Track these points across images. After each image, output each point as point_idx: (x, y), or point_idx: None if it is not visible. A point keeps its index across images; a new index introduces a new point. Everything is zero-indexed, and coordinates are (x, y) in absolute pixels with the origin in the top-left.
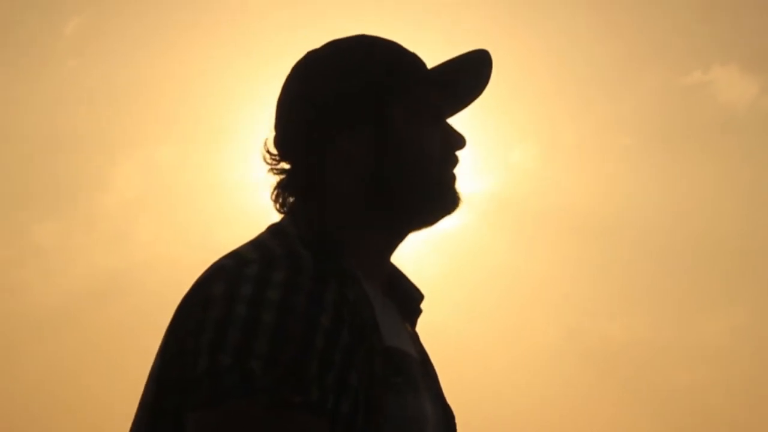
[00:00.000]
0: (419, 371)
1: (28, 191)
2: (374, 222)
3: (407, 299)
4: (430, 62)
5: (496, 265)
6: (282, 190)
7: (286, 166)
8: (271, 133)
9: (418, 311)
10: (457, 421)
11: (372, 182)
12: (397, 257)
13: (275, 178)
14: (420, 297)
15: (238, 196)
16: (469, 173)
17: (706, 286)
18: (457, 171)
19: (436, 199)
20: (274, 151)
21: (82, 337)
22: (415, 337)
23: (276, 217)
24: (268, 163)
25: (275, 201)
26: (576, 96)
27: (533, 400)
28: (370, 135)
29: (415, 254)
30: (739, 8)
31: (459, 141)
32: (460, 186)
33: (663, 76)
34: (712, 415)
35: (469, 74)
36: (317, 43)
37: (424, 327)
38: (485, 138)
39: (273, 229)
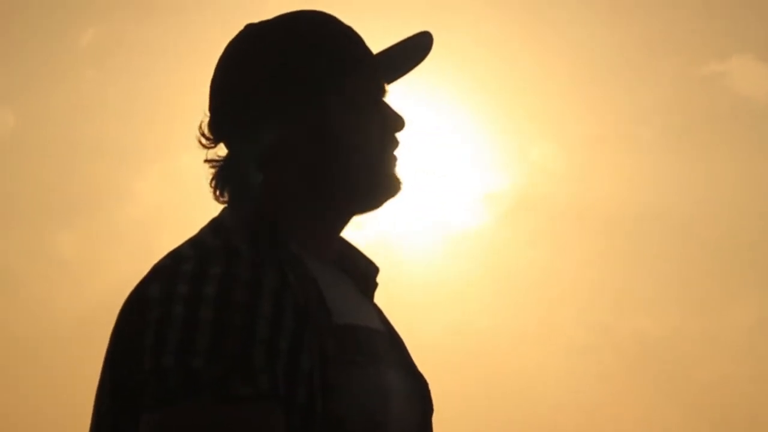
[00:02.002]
0: (383, 344)
1: (50, 202)
2: (316, 207)
3: (362, 274)
4: (452, 58)
5: (521, 263)
6: (221, 179)
7: (221, 152)
8: (206, 117)
9: (375, 285)
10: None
11: (310, 169)
12: (418, 257)
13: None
14: (375, 270)
15: None
16: (488, 171)
17: (735, 276)
18: (397, 153)
19: (376, 185)
20: (209, 134)
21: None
22: (377, 310)
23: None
24: (203, 147)
25: (214, 191)
26: (593, 89)
27: (565, 399)
28: (307, 122)
29: (437, 255)
30: None
31: (398, 122)
32: (399, 169)
33: (680, 66)
34: (746, 408)
35: (409, 57)
36: None
37: (450, 325)
38: (503, 135)
39: (212, 223)
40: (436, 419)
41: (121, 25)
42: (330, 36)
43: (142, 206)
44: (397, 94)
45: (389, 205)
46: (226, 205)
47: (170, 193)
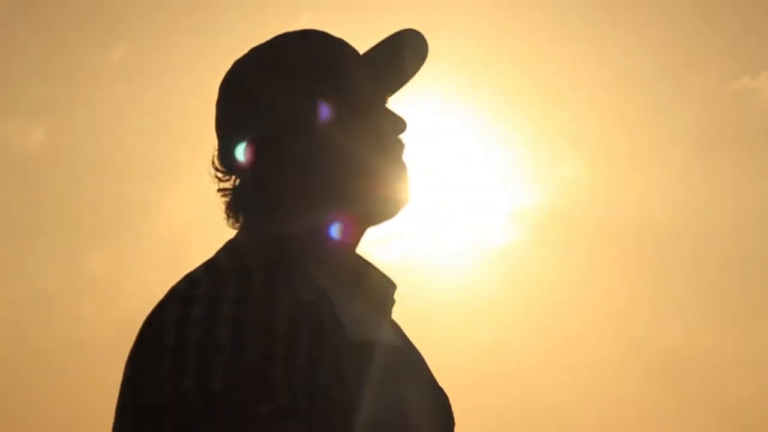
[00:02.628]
0: (400, 360)
1: (80, 219)
2: (326, 225)
3: (379, 291)
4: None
5: (552, 279)
6: (234, 207)
7: (235, 182)
8: (215, 150)
9: (392, 301)
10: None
11: (315, 188)
12: (447, 274)
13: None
14: (393, 287)
15: None
16: (519, 187)
17: (764, 291)
18: (405, 156)
19: (383, 196)
20: (220, 168)
21: None
22: (395, 327)
23: None
24: (218, 179)
25: (228, 219)
26: (624, 105)
27: (596, 415)
28: (307, 142)
29: (467, 272)
30: None
31: (399, 125)
32: (408, 173)
33: (711, 83)
34: None
35: (403, 55)
36: None
37: (480, 343)
38: (535, 151)
39: (227, 245)
40: None
41: (150, 43)
42: (331, 58)
43: (171, 222)
44: (427, 108)
45: (418, 221)
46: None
47: (199, 209)
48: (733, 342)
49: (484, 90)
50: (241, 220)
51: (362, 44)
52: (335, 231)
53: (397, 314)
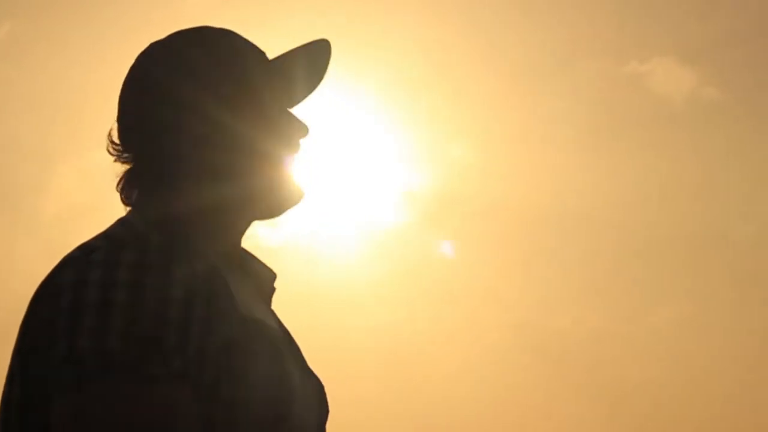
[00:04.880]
0: (283, 342)
1: None
2: (217, 211)
3: (261, 279)
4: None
5: (441, 261)
6: (128, 182)
7: (129, 157)
8: (115, 125)
9: (272, 290)
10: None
11: (208, 170)
12: (336, 254)
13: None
14: (273, 276)
15: None
16: (409, 169)
17: (655, 279)
18: (298, 160)
19: (273, 194)
20: (117, 143)
21: None
22: (274, 314)
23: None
24: (112, 154)
25: (121, 193)
26: (515, 89)
27: (486, 398)
28: (205, 132)
29: (357, 253)
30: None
31: (301, 130)
32: (298, 177)
33: (601, 67)
34: (664, 408)
35: (308, 66)
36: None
37: (370, 324)
38: (425, 133)
39: (120, 221)
40: (346, 422)
41: (36, 21)
42: (229, 51)
43: (59, 202)
44: (319, 92)
45: (307, 203)
46: (132, 207)
47: (87, 188)
48: (622, 327)
49: (375, 72)
50: (134, 198)
51: (246, 31)
52: (226, 212)
53: (287, 295)
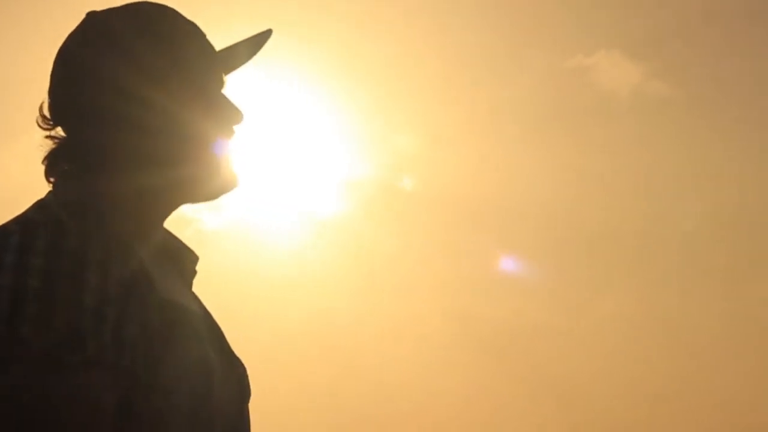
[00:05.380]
0: (203, 326)
1: None
2: (144, 193)
3: (183, 262)
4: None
5: (383, 251)
6: (52, 162)
7: (60, 133)
8: (46, 99)
9: (194, 272)
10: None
11: (139, 157)
12: (278, 242)
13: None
14: (195, 259)
15: None
16: (354, 158)
17: (597, 271)
18: (232, 145)
19: (206, 178)
20: (48, 117)
21: None
22: (196, 298)
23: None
24: (42, 128)
25: (47, 170)
26: (460, 80)
27: (424, 387)
28: (138, 112)
29: (298, 241)
30: None
31: (236, 116)
32: (234, 163)
33: (547, 59)
34: (604, 400)
35: (247, 49)
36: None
37: (309, 312)
38: (368, 123)
39: (37, 202)
40: (280, 409)
41: None
42: (165, 30)
43: (2, 185)
44: (263, 79)
45: (250, 189)
46: (52, 188)
47: (31, 171)
48: (564, 319)
49: (319, 61)
50: (56, 177)
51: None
52: (153, 196)
53: (222, 278)
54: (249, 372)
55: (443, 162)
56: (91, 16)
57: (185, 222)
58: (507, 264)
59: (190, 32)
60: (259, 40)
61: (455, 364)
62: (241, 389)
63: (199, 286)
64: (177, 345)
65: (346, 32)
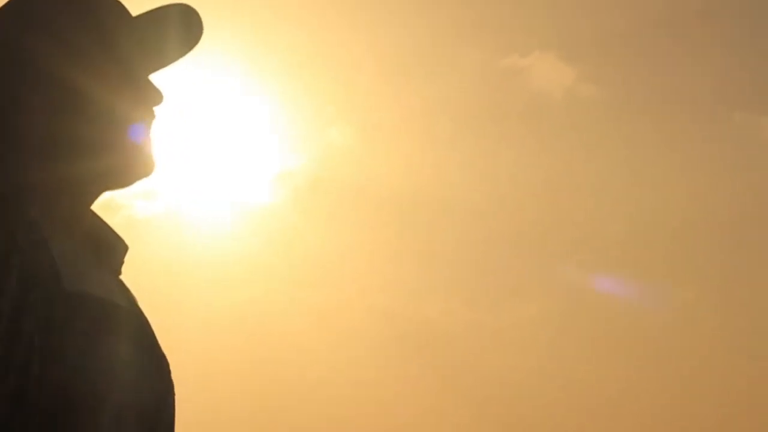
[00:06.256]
0: (120, 318)
1: None
2: (62, 178)
3: (110, 251)
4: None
5: (312, 243)
6: None
7: None
8: None
9: (121, 261)
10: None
11: (56, 139)
12: (208, 231)
13: None
14: (124, 248)
15: None
16: (286, 149)
17: (524, 271)
18: (152, 129)
19: (123, 162)
20: None
21: None
22: (123, 288)
23: None
24: None
25: None
26: (395, 76)
27: (349, 384)
28: (58, 94)
29: (229, 231)
30: None
31: (156, 97)
32: (153, 147)
33: (482, 58)
34: (529, 400)
35: (178, 30)
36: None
37: (236, 302)
38: (301, 114)
39: None
40: (203, 401)
41: None
42: (92, 7)
43: None
44: (196, 69)
45: (183, 178)
46: None
47: None
48: (489, 319)
49: (253, 53)
50: None
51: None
52: (71, 185)
53: (155, 270)
54: (172, 361)
55: (375, 157)
56: None
57: (116, 208)
58: (436, 261)
59: (118, 10)
60: (191, 34)
61: (379, 360)
62: (160, 383)
63: (127, 274)
64: (78, 339)
65: (281, 24)
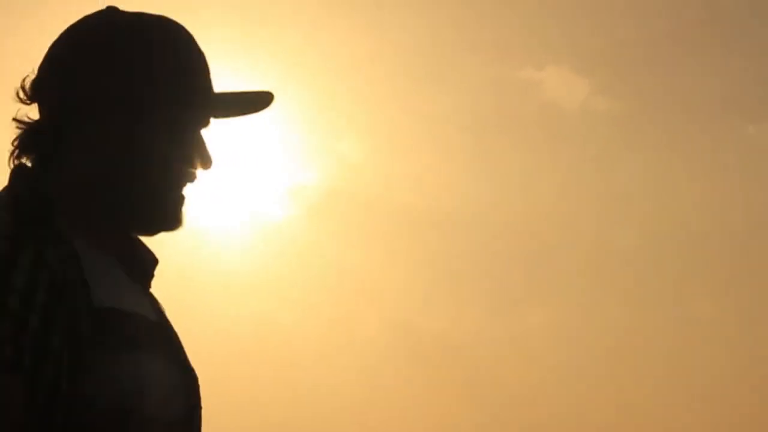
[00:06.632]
0: (150, 333)
1: None
2: (99, 209)
3: (141, 264)
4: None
5: (325, 258)
6: (21, 148)
7: (32, 118)
8: (34, 73)
9: (151, 275)
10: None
11: (101, 174)
12: (223, 247)
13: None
14: (154, 262)
15: None
16: (299, 164)
17: (533, 282)
18: (187, 190)
19: (155, 213)
20: (29, 91)
21: None
22: (155, 302)
23: None
24: (20, 100)
25: (11, 156)
26: (407, 88)
27: (361, 395)
28: (114, 131)
29: (243, 246)
30: (577, 10)
31: (206, 161)
32: (185, 206)
33: (496, 69)
34: (539, 409)
35: (242, 107)
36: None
37: (252, 317)
38: (313, 129)
39: None
40: (218, 410)
41: None
42: (179, 57)
43: None
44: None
45: (197, 193)
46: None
47: None
48: (500, 328)
49: (266, 67)
50: (13, 169)
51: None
52: (105, 220)
53: (170, 283)
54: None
55: (387, 169)
56: (116, 13)
57: None
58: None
59: (200, 68)
60: (259, 101)
61: (392, 372)
62: (189, 398)
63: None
64: (107, 354)
65: (294, 40)
